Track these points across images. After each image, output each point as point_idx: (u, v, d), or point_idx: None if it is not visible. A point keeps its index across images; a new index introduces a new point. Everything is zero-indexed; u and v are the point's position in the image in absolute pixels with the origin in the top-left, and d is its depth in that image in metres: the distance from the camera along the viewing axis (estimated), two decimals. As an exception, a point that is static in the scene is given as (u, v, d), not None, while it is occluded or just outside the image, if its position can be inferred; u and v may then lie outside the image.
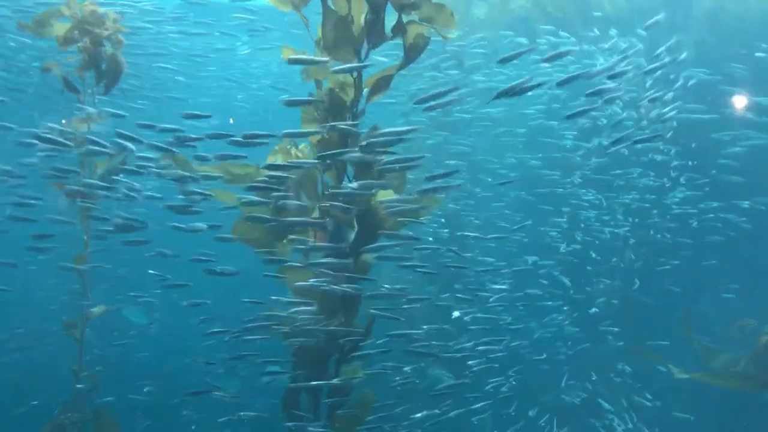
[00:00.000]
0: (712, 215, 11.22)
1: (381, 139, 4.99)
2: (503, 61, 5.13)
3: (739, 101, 10.97)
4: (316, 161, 5.27)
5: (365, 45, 5.41)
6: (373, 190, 5.32)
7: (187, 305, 6.87)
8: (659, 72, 7.77)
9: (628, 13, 11.27)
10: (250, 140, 4.82)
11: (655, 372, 10.38)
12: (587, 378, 11.47)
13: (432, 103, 4.93)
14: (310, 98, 5.14)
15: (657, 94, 6.59)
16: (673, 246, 11.55)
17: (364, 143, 4.99)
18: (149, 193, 5.73)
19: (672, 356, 9.86)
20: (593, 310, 11.63)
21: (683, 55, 9.00)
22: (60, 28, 6.12)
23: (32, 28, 6.11)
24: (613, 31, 10.98)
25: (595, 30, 11.25)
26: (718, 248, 11.36)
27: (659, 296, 11.69)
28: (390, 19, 5.40)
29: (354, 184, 5.15)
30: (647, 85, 9.96)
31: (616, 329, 11.52)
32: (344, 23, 5.34)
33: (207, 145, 5.24)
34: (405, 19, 5.36)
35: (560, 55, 5.47)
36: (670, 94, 8.83)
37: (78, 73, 6.17)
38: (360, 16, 5.39)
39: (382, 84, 5.45)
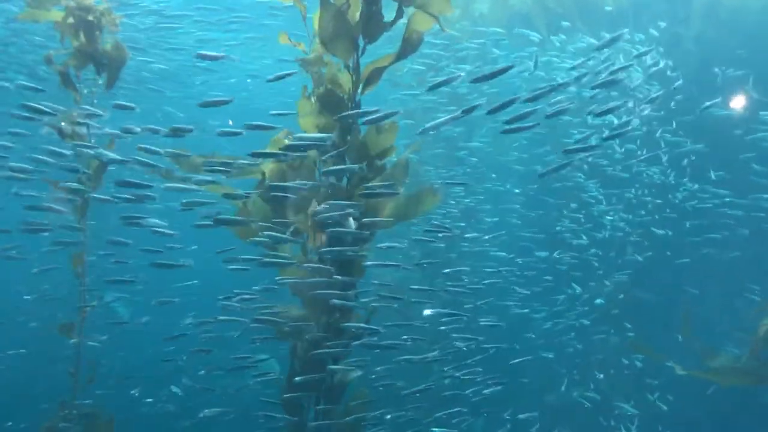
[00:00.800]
0: (720, 211, 11.15)
1: (299, 143, 5.15)
2: (432, 88, 5.33)
3: (744, 98, 10.87)
4: (253, 162, 5.40)
5: (362, 38, 5.35)
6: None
7: (156, 303, 6.90)
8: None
9: (629, 7, 11.22)
10: (177, 132, 5.37)
11: (659, 367, 10.27)
12: (591, 374, 11.40)
13: (369, 118, 5.10)
14: (225, 99, 5.39)
15: (610, 107, 6.23)
16: (679, 243, 11.48)
17: (282, 147, 5.23)
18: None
19: (674, 353, 9.77)
20: (598, 300, 11.56)
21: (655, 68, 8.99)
22: (56, 15, 6.14)
23: (27, 14, 6.15)
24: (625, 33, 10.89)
25: (605, 34, 11.17)
26: (722, 245, 11.30)
27: (661, 292, 11.61)
28: (389, 14, 5.36)
29: (295, 182, 5.29)
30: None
31: (616, 325, 11.45)
32: (342, 15, 5.27)
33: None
34: (403, 12, 5.32)
35: (503, 71, 4.98)
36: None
37: (72, 64, 6.13)
38: (357, 8, 5.32)
39: (375, 75, 5.41)
